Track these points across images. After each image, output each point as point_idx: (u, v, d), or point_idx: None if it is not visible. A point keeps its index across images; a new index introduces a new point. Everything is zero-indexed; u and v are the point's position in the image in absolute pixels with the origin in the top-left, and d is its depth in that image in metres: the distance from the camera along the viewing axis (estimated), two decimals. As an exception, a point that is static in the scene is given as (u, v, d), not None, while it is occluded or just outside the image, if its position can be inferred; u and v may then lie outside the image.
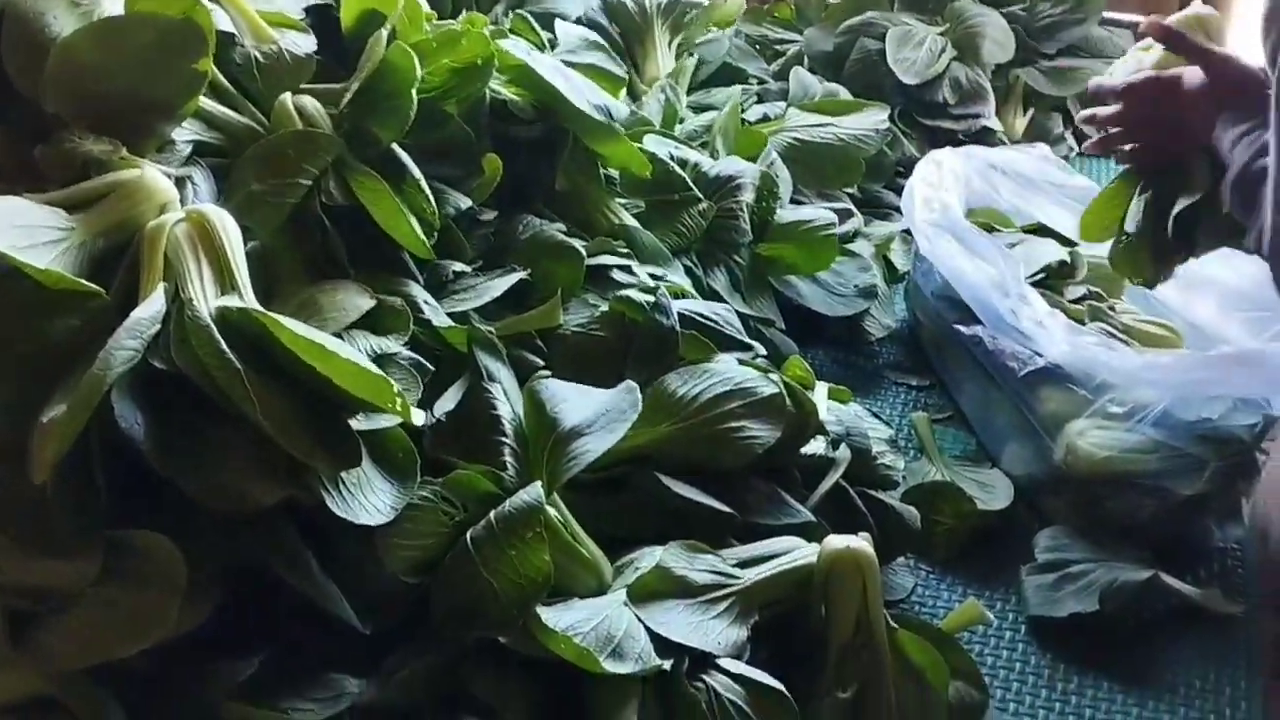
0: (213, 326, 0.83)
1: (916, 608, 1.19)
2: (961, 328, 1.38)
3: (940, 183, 1.47)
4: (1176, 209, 1.22)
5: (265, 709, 0.86)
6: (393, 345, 1.00)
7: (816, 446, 1.15)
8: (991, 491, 1.30)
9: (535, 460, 0.99)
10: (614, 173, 1.38)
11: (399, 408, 0.88)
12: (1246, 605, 1.19)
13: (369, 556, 0.90)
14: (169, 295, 0.86)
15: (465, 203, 1.18)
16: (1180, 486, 1.21)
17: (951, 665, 0.99)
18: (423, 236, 1.09)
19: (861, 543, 0.99)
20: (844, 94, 1.84)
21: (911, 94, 1.93)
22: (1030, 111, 2.06)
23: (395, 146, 1.11)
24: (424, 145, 1.14)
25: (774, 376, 1.11)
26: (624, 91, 1.61)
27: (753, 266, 1.44)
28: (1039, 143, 1.78)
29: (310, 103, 1.09)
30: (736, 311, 1.29)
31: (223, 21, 1.10)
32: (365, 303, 1.01)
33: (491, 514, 0.92)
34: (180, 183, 0.98)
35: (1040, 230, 1.55)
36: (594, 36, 1.67)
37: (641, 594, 0.95)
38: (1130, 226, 1.28)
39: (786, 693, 0.92)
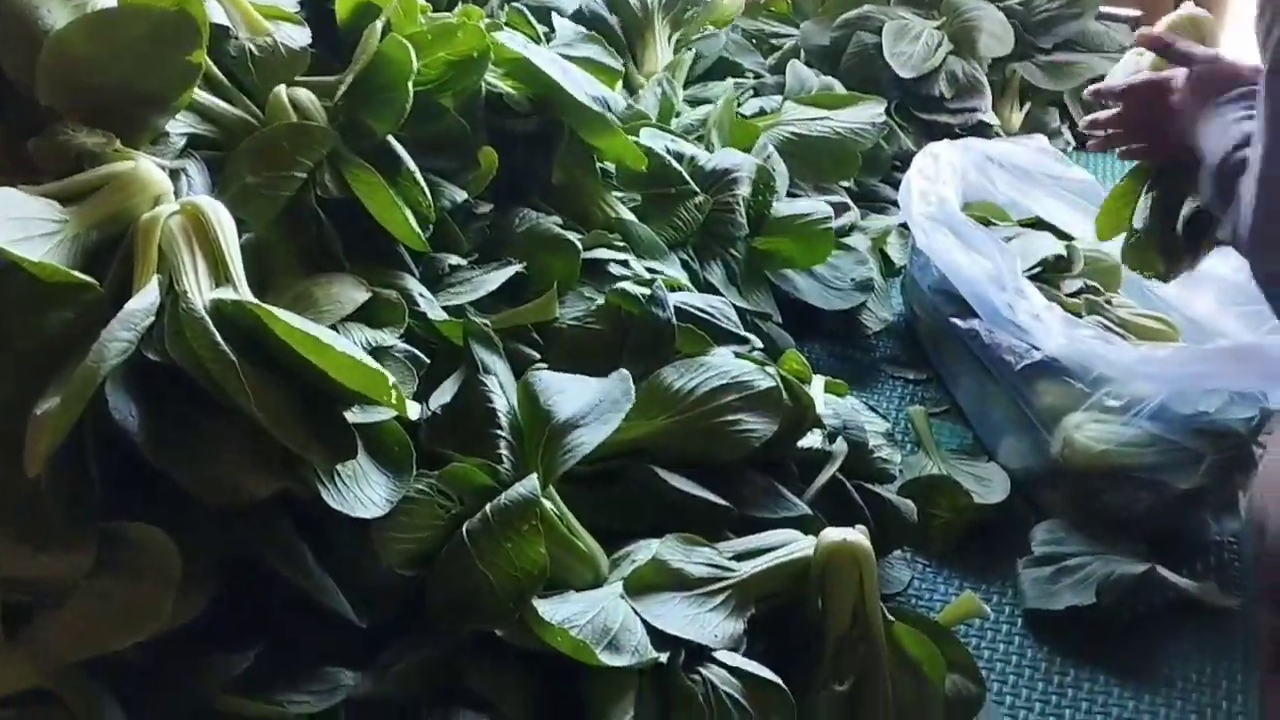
0: (207, 319, 0.83)
1: (913, 601, 1.19)
2: (958, 321, 1.38)
3: (937, 176, 1.47)
4: (1185, 211, 1.23)
5: (260, 702, 0.86)
6: (388, 338, 1.00)
7: (813, 440, 1.15)
8: (988, 485, 1.30)
9: (531, 453, 0.99)
10: (610, 166, 1.38)
11: (394, 401, 0.87)
12: (1243, 598, 1.19)
13: (364, 549, 0.90)
14: (163, 287, 0.86)
15: (461, 196, 1.17)
16: (1177, 480, 1.21)
17: (948, 658, 0.99)
18: (418, 229, 1.08)
19: (858, 536, 0.99)
20: (840, 88, 1.84)
21: (908, 88, 1.93)
22: (1027, 106, 2.06)
23: (390, 139, 1.11)
24: (419, 138, 1.14)
25: (770, 370, 1.11)
26: (620, 84, 1.61)
27: (749, 260, 1.43)
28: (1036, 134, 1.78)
29: (305, 95, 1.09)
30: (733, 305, 1.29)
31: (217, 14, 1.09)
32: (360, 295, 1.01)
33: (487, 507, 0.92)
34: (174, 175, 0.98)
35: (1037, 224, 1.55)
36: (590, 30, 1.67)
37: (638, 587, 0.95)
38: (1138, 223, 1.30)
39: (783, 685, 0.92)
